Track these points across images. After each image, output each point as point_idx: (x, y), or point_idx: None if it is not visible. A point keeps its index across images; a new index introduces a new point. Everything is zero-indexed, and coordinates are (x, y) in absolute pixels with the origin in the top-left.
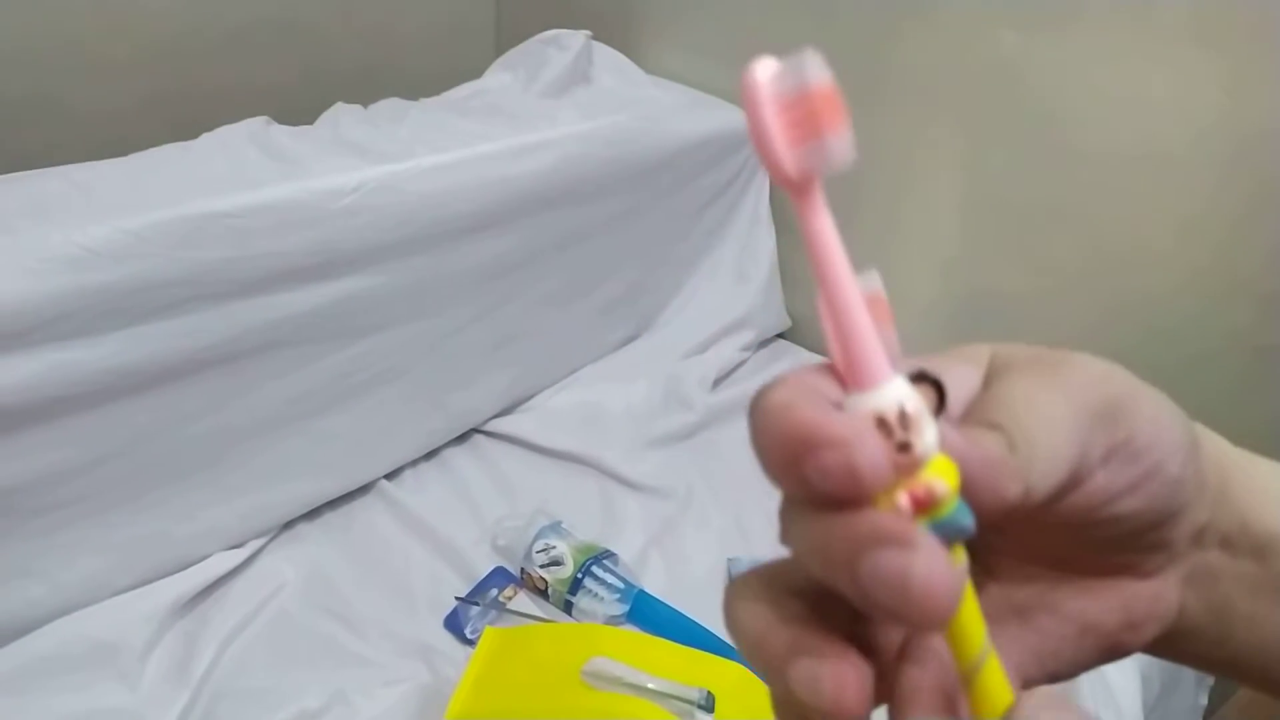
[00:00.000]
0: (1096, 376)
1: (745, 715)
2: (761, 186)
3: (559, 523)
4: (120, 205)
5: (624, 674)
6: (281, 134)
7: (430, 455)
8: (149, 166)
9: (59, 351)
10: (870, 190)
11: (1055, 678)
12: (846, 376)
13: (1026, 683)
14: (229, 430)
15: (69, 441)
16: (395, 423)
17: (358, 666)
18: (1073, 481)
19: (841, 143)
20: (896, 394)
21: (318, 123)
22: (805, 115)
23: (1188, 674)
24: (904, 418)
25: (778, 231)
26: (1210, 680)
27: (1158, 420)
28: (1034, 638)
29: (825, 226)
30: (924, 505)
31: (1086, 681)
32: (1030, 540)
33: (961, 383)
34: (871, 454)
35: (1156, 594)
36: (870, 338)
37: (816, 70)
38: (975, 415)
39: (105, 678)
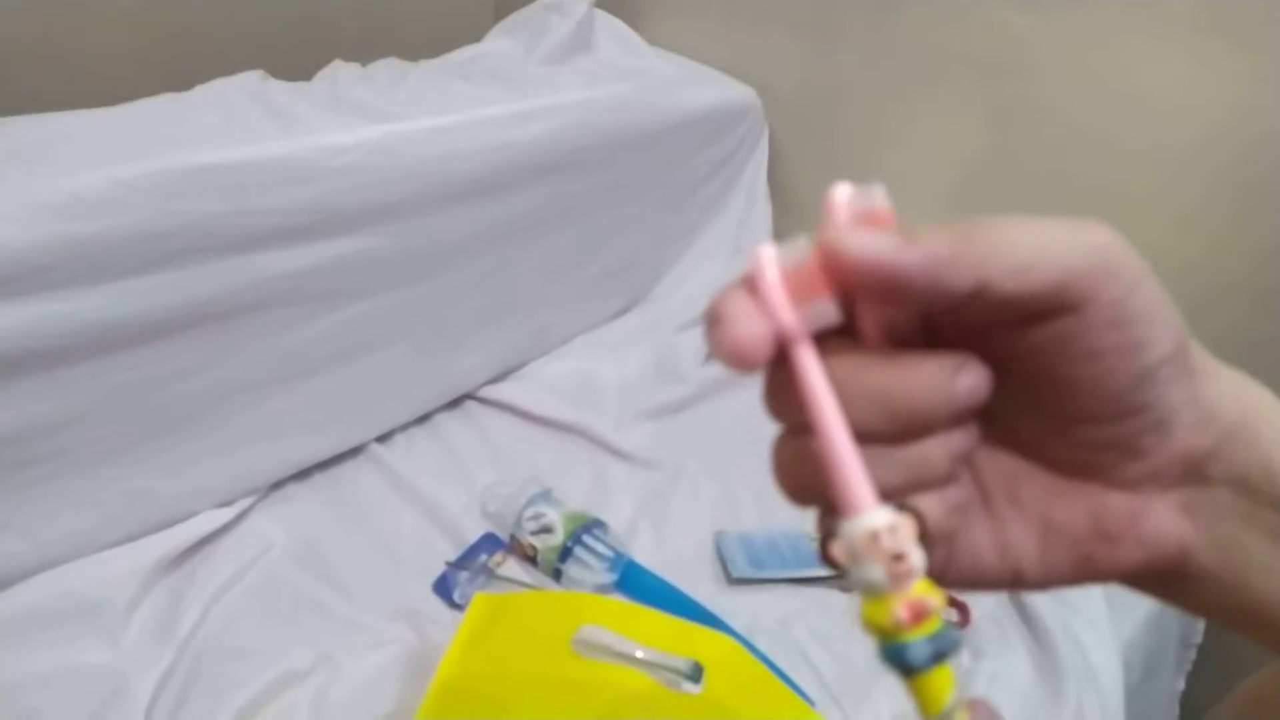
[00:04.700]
0: (1110, 237)
1: (732, 686)
2: (760, 162)
3: (549, 490)
4: (112, 154)
5: (613, 643)
6: (278, 89)
7: (422, 419)
8: (141, 117)
9: (46, 302)
10: (861, 171)
11: (1022, 581)
12: (838, 506)
13: (985, 575)
14: (219, 388)
15: (55, 394)
16: (387, 386)
17: (345, 629)
18: (1049, 305)
19: (831, 306)
20: (885, 516)
21: (315, 79)
22: (803, 284)
23: (1167, 656)
24: (894, 532)
25: (775, 207)
26: (1189, 662)
27: (1151, 301)
28: (998, 529)
29: (818, 373)
30: (920, 615)
31: (1068, 663)
32: (999, 403)
33: None
34: (738, 333)
35: (1135, 511)
36: (858, 471)
37: (806, 249)
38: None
39: (88, 634)
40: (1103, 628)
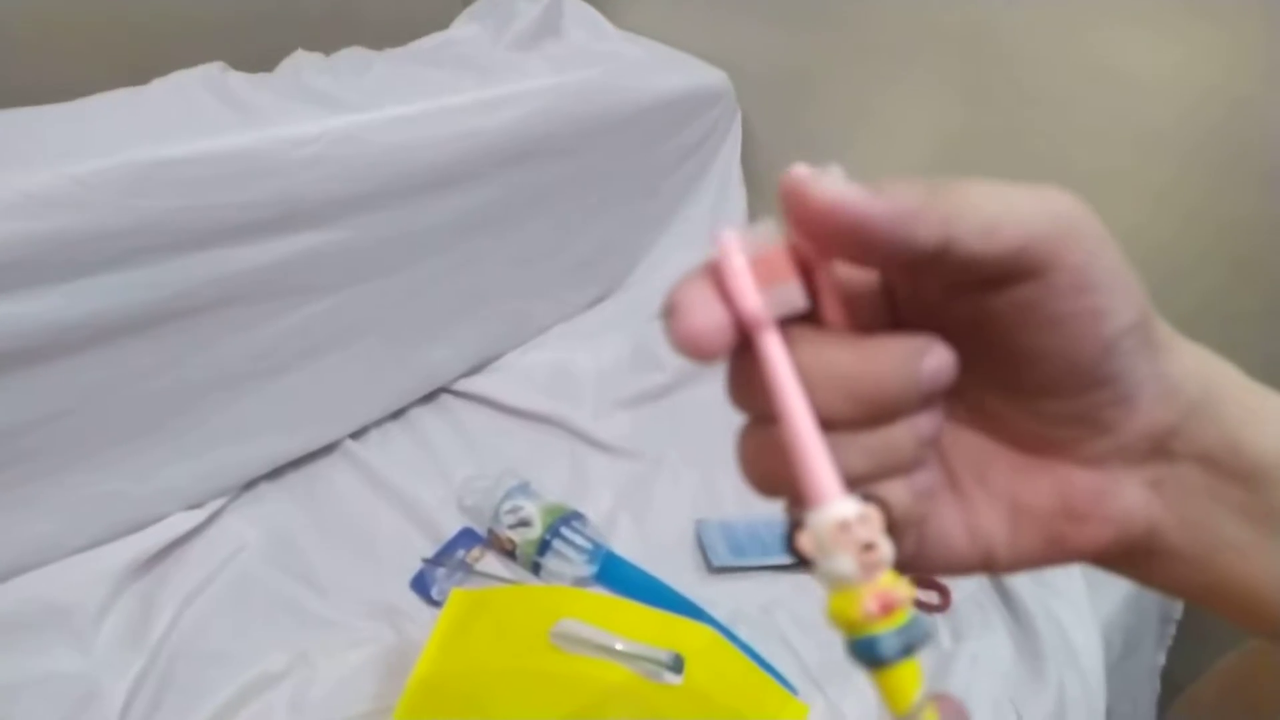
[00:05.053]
0: (1073, 202)
1: (713, 677)
2: (733, 147)
3: (527, 483)
4: (67, 151)
5: (593, 636)
6: (239, 81)
7: (396, 415)
8: (98, 111)
9: (4, 303)
10: (835, 153)
11: (993, 563)
12: (805, 497)
13: (956, 558)
14: (186, 387)
15: (16, 397)
16: (360, 381)
17: (321, 628)
18: (1010, 269)
19: (797, 291)
20: (853, 506)
21: (277, 70)
22: (768, 269)
23: (1147, 632)
24: (864, 521)
25: (749, 192)
26: (1169, 638)
27: (1113, 270)
28: (967, 512)
29: (783, 360)
30: (889, 607)
31: (1049, 644)
32: (967, 387)
33: None
34: (693, 323)
35: (1102, 489)
36: (825, 460)
37: (773, 233)
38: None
39: (58, 641)
40: (1082, 607)
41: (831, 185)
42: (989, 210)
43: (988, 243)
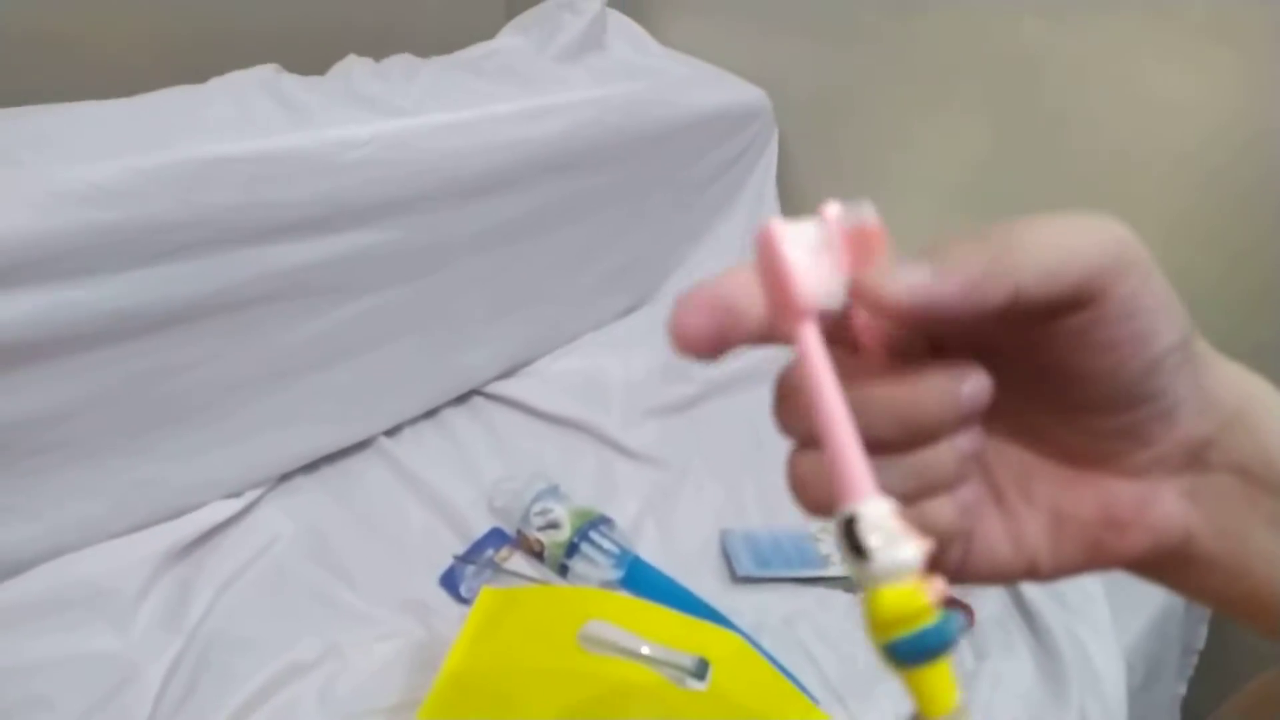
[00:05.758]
0: (1120, 232)
1: (738, 683)
2: (769, 164)
3: (556, 486)
4: (129, 145)
5: (619, 639)
6: (292, 83)
7: (429, 414)
8: (158, 108)
9: (62, 290)
10: (870, 175)
11: (1037, 572)
12: (835, 491)
13: (1002, 569)
14: (229, 378)
15: (68, 381)
16: (396, 380)
17: (352, 621)
18: (1076, 300)
19: (839, 289)
20: (876, 509)
21: (329, 74)
22: (816, 261)
23: (1169, 661)
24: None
25: (783, 209)
26: (1190, 669)
27: (1159, 294)
28: (1011, 523)
29: (821, 353)
30: (941, 598)
31: (1071, 667)
32: (1001, 404)
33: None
34: (685, 322)
35: (1143, 498)
36: (855, 457)
37: (832, 224)
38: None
39: (97, 621)
40: (1106, 632)
41: (904, 279)
42: (1052, 256)
43: (1050, 286)
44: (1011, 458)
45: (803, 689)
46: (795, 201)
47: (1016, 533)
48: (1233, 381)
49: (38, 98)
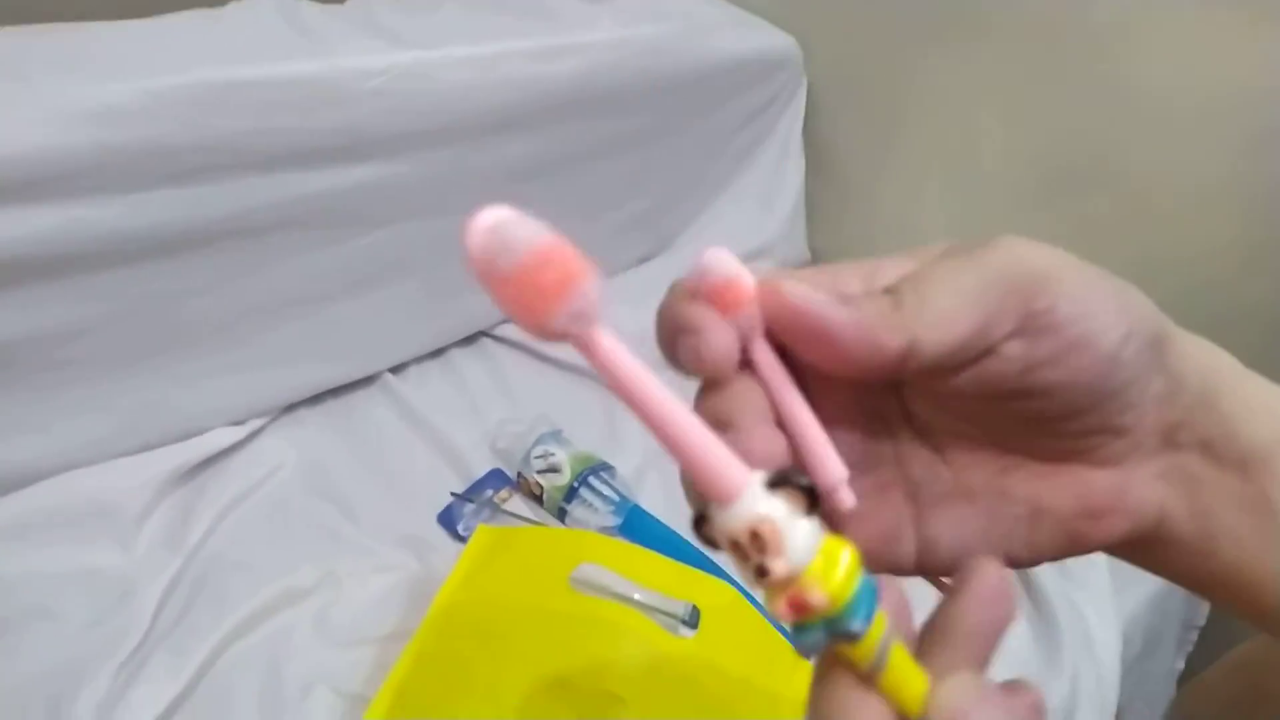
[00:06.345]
0: (1020, 254)
1: (729, 633)
2: (796, 114)
3: (559, 431)
4: (143, 65)
5: (611, 582)
6: (311, 10)
7: (436, 354)
8: (174, 30)
9: (72, 208)
10: (902, 129)
11: (1015, 562)
12: (712, 494)
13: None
14: (237, 305)
15: (77, 299)
16: (404, 317)
17: (350, 551)
18: (982, 344)
19: (590, 297)
20: (747, 514)
21: (348, 2)
22: (550, 275)
23: (1169, 635)
24: (757, 539)
25: (808, 162)
26: (1190, 644)
27: (1085, 297)
28: (983, 519)
29: (620, 360)
30: (802, 610)
31: (1068, 634)
32: (976, 420)
33: (897, 273)
34: (714, 342)
35: (1120, 486)
36: (711, 455)
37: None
38: (881, 286)
39: (101, 536)
40: (1105, 602)
41: (802, 287)
42: (941, 304)
43: (947, 332)
44: (988, 462)
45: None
46: (821, 153)
47: (988, 528)
48: (1197, 357)
49: (58, 16)
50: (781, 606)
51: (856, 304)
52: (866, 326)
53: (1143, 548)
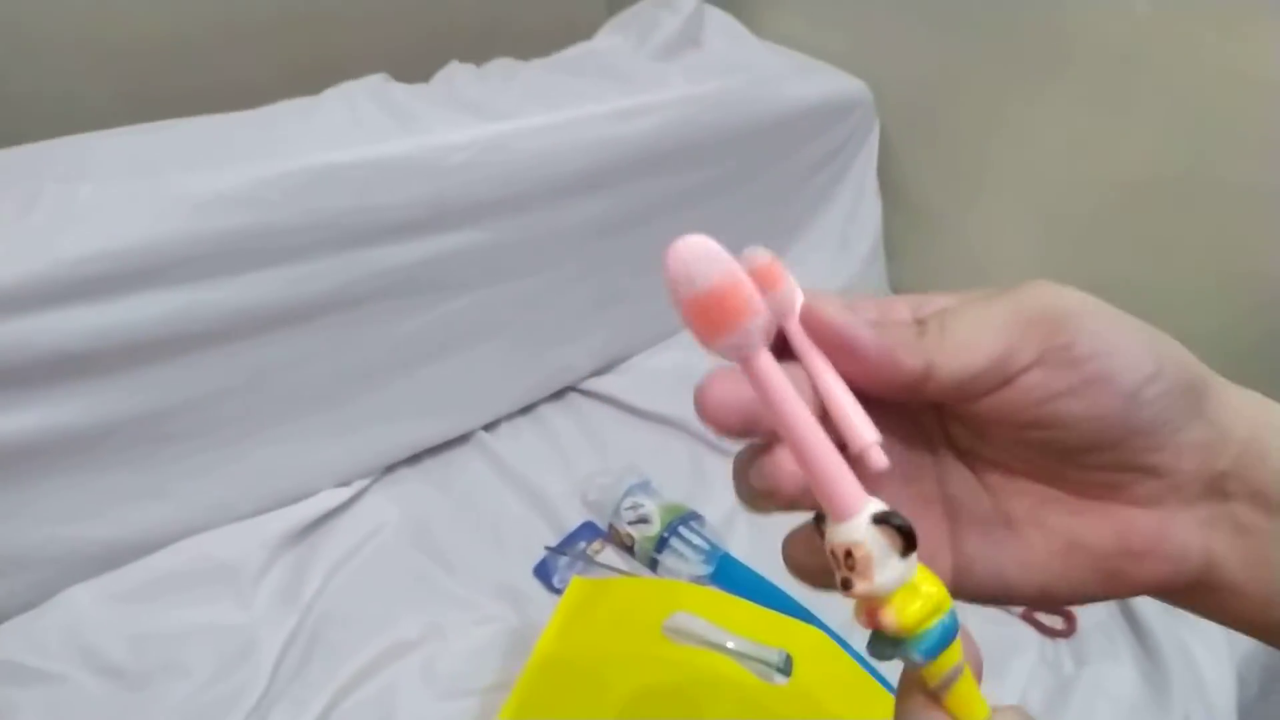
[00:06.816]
0: (1046, 293)
1: (822, 680)
2: (869, 156)
3: (648, 481)
4: (252, 155)
5: (704, 631)
6: (399, 91)
7: (526, 410)
8: (278, 119)
9: (193, 291)
10: (975, 167)
11: (1051, 596)
12: (825, 509)
13: (1011, 590)
14: (341, 373)
15: (200, 375)
16: (495, 376)
17: (452, 604)
18: (1001, 373)
19: (751, 334)
20: (847, 536)
21: (433, 80)
22: (718, 311)
23: None
24: (850, 558)
25: (884, 203)
26: None
27: (1107, 336)
28: (1020, 547)
29: (772, 384)
30: (875, 625)
31: (1177, 676)
32: (1009, 448)
33: (938, 306)
34: (715, 404)
35: (1160, 528)
36: (835, 477)
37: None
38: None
39: (223, 595)
40: (1216, 640)
41: (836, 305)
42: (961, 334)
43: (965, 360)
44: (1026, 491)
45: (888, 687)
46: (897, 195)
47: (1026, 559)
48: (1245, 408)
49: (178, 112)
50: (861, 614)
51: (884, 328)
52: (888, 348)
53: (1196, 595)
